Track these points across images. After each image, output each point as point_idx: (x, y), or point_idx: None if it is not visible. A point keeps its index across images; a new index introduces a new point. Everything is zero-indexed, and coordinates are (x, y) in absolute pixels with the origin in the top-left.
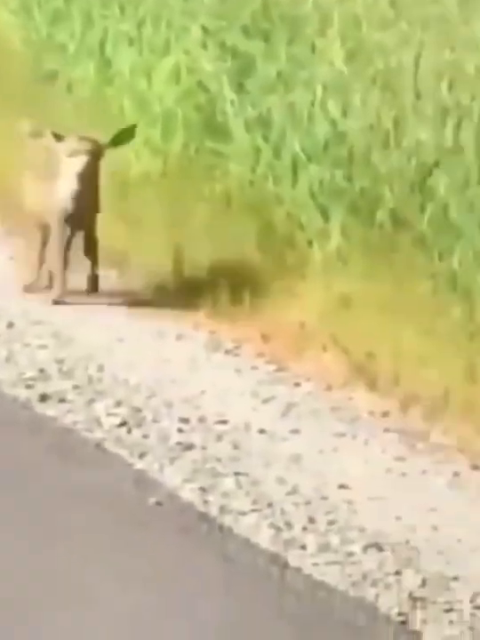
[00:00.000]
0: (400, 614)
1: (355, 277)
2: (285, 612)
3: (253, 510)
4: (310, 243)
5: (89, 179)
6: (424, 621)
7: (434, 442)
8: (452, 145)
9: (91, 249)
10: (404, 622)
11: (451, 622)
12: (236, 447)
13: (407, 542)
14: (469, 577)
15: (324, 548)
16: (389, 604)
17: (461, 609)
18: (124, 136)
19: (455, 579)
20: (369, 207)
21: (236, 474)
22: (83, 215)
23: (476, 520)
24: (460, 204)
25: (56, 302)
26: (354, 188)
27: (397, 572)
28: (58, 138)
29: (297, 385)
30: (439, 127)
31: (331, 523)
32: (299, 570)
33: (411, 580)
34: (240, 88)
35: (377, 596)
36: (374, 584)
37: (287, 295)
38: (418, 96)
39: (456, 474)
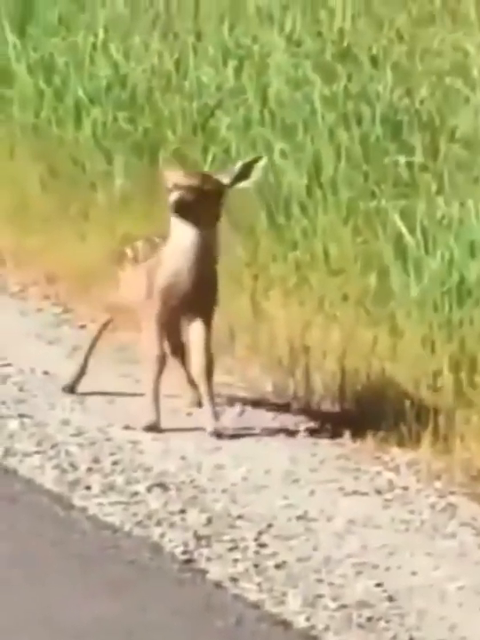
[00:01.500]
0: (185, 553)
1: (138, 218)
2: (70, 551)
3: (38, 452)
4: (94, 185)
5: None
6: (209, 559)
7: (218, 381)
8: (234, 86)
9: (206, 359)
10: (189, 560)
11: (235, 560)
12: (20, 389)
13: (192, 481)
14: (254, 515)
15: (109, 488)
16: (174, 542)
17: (246, 546)
18: (247, 170)
19: (240, 517)
20: (152, 149)
21: (21, 416)
22: (197, 296)
23: (261, 459)
24: (242, 145)
25: (149, 429)
26: (137, 130)
27: (182, 511)
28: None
29: (82, 327)
30: (220, 68)
31: (115, 463)
32: (83, 510)
33: (195, 519)
34: (22, 32)
35: (162, 534)
36: (159, 523)
37: (72, 237)
38: (199, 37)
39: (241, 413)
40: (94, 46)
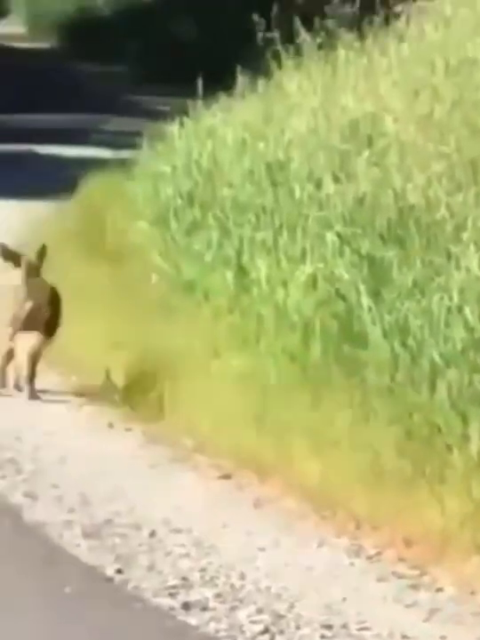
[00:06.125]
0: None
1: None
2: None
3: None
4: (450, 447)
5: None
6: None
7: None
8: None
9: None
10: None
11: None
12: None
13: None
14: None
15: None
16: None
17: None
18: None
19: None
20: None
21: None
22: None
23: None
24: None
25: None
26: None
27: None
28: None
29: (439, 590)
30: None
31: None
32: None
33: None
34: (376, 295)
35: None
36: None
37: (428, 500)
38: None
39: None
40: (449, 309)
